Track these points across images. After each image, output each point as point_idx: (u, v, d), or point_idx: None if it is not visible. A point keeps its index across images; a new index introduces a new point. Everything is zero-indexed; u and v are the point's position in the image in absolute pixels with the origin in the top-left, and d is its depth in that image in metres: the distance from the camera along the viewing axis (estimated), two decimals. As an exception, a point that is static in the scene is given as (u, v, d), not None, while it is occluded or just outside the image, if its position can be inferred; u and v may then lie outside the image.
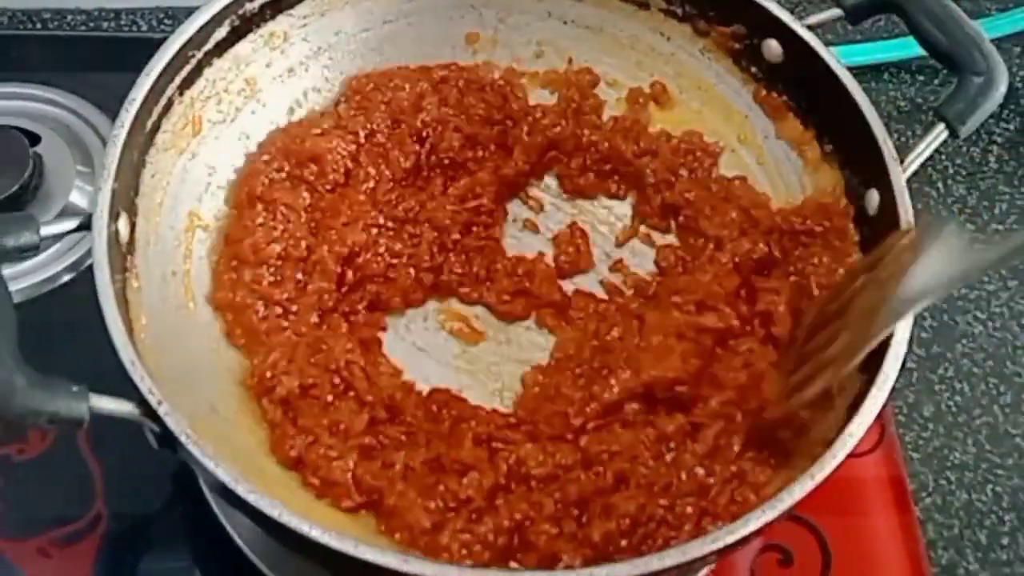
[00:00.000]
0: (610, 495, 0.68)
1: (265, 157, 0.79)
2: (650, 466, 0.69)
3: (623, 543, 0.66)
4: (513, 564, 0.66)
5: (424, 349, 0.78)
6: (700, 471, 0.68)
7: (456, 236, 0.80)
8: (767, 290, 0.75)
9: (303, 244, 0.76)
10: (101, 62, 0.99)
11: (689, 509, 0.67)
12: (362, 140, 0.81)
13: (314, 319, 0.75)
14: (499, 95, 0.84)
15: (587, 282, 0.82)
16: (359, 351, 0.74)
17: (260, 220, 0.76)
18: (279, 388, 0.71)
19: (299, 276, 0.76)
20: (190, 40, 0.75)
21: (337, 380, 0.72)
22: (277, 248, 0.76)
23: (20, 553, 0.77)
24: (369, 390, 0.72)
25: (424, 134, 0.82)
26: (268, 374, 0.72)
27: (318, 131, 0.80)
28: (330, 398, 0.72)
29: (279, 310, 0.75)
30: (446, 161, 0.82)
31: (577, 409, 0.72)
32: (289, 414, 0.71)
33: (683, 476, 0.68)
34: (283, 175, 0.78)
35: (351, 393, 0.72)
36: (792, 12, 0.79)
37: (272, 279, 0.75)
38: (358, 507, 0.68)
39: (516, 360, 0.78)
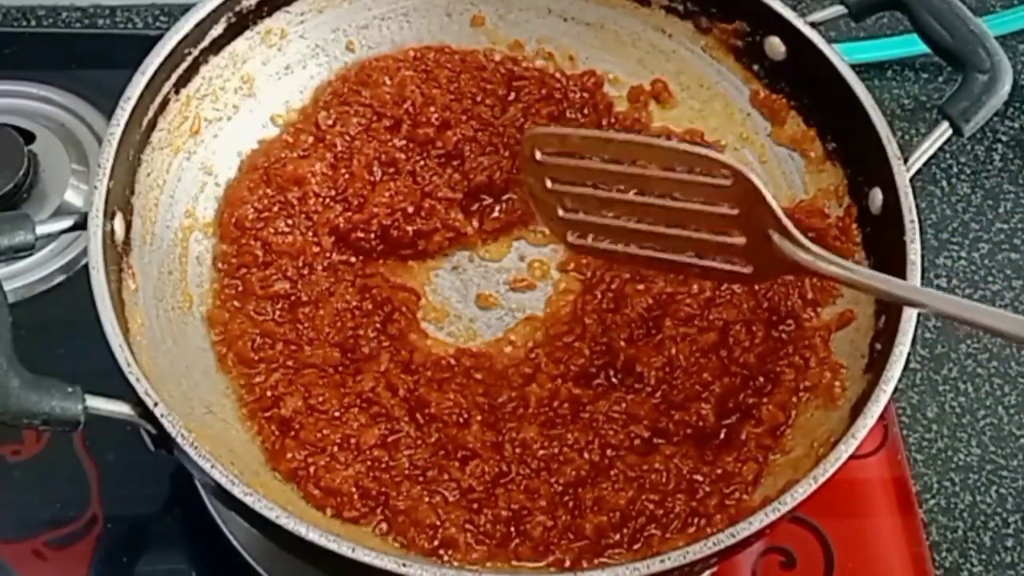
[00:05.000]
0: (601, 477, 0.69)
1: (248, 184, 0.78)
2: (637, 451, 0.70)
3: (615, 537, 0.67)
4: (508, 551, 0.67)
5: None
6: (687, 467, 0.69)
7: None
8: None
9: (314, 290, 0.76)
10: (96, 59, 0.98)
11: (679, 507, 0.68)
12: (341, 151, 0.80)
13: (335, 354, 0.74)
14: (499, 73, 0.84)
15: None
16: (398, 371, 0.73)
17: (260, 254, 0.76)
18: (282, 409, 0.71)
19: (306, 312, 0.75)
20: (186, 37, 0.75)
21: (359, 401, 0.72)
22: (286, 286, 0.75)
23: (15, 555, 0.76)
24: (397, 404, 0.72)
25: (412, 120, 0.82)
26: (268, 393, 0.71)
27: (300, 152, 0.79)
28: (338, 413, 0.71)
29: (281, 345, 0.74)
30: (440, 147, 0.81)
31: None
32: (290, 432, 0.70)
33: (671, 470, 0.69)
34: (268, 202, 0.78)
35: (365, 405, 0.72)
36: (795, 9, 0.79)
37: (278, 317, 0.75)
38: (360, 516, 0.68)
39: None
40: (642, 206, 0.69)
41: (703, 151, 0.67)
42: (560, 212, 0.71)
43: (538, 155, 0.70)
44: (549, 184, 0.70)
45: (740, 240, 0.66)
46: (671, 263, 0.71)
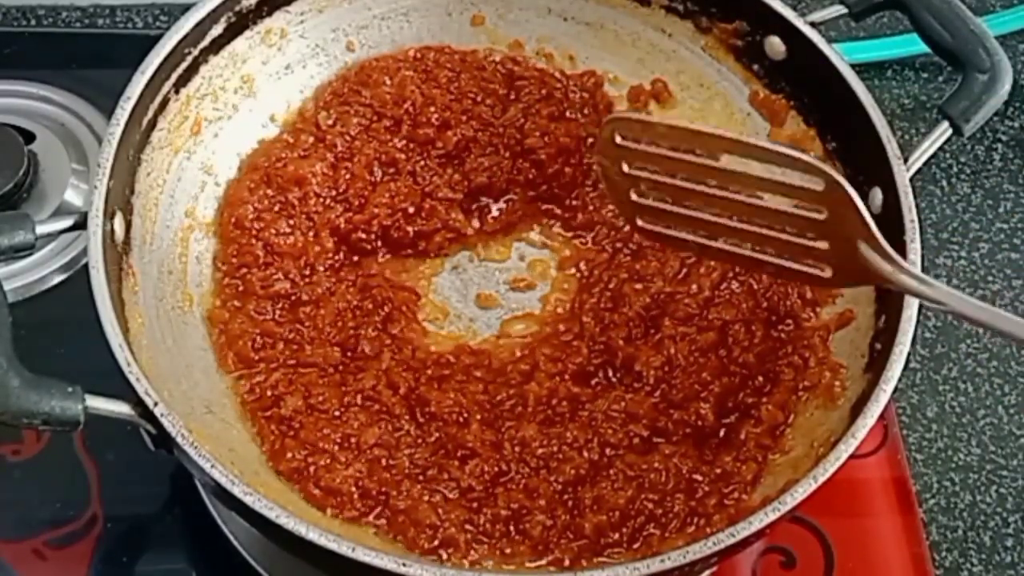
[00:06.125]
0: (600, 476, 0.69)
1: (248, 184, 0.78)
2: (636, 450, 0.70)
3: (614, 536, 0.67)
4: (508, 550, 0.67)
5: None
6: (686, 466, 0.69)
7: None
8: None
9: (317, 290, 0.76)
10: (96, 59, 0.98)
11: (678, 507, 0.68)
12: (341, 151, 0.80)
13: (336, 353, 0.74)
14: (499, 73, 0.84)
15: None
16: (399, 369, 0.73)
17: (260, 255, 0.76)
18: (282, 408, 0.71)
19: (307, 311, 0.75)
20: (186, 37, 0.75)
21: (359, 399, 0.72)
22: (286, 286, 0.76)
23: (15, 554, 0.76)
24: (398, 403, 0.72)
25: (412, 120, 0.82)
26: (268, 393, 0.71)
27: (300, 152, 0.79)
28: (338, 412, 0.71)
29: (281, 344, 0.74)
30: (440, 147, 0.82)
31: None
32: (290, 432, 0.70)
33: (670, 470, 0.69)
34: (268, 203, 0.78)
35: (366, 404, 0.72)
36: (795, 8, 0.79)
37: (278, 317, 0.75)
38: (360, 516, 0.68)
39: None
40: (722, 200, 0.67)
41: (799, 154, 0.65)
42: (633, 196, 0.70)
43: (618, 139, 0.68)
44: (626, 168, 0.69)
45: (823, 244, 0.65)
46: (746, 258, 0.69)
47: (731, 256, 0.69)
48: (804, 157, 0.64)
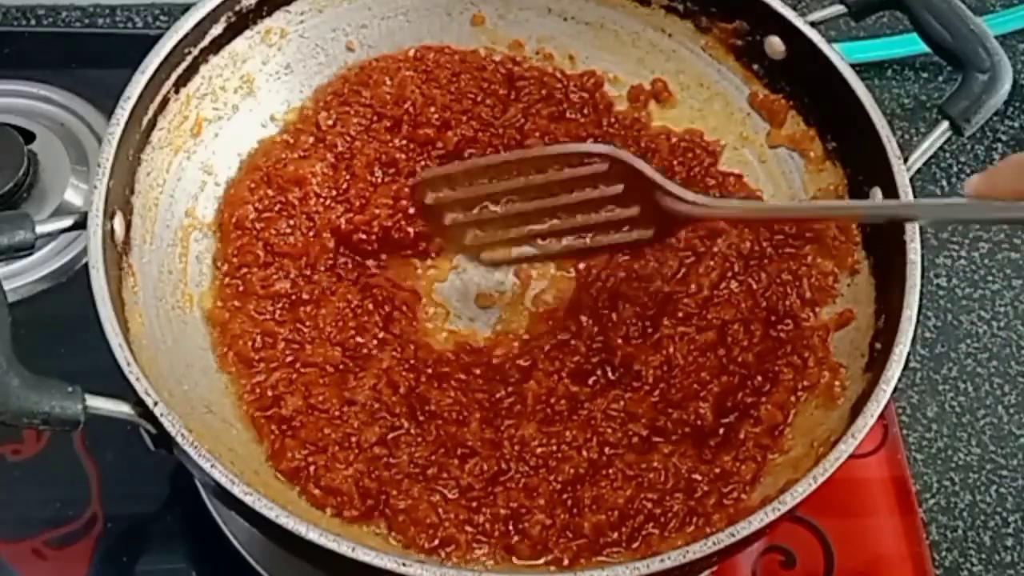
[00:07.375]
0: (599, 475, 0.69)
1: (248, 184, 0.78)
2: (635, 449, 0.70)
3: (613, 535, 0.67)
4: (507, 550, 0.68)
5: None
6: (685, 466, 0.69)
7: None
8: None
9: (316, 290, 0.76)
10: (96, 59, 0.98)
11: (677, 506, 0.68)
12: (341, 151, 0.80)
13: (336, 353, 0.74)
14: (499, 73, 0.84)
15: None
16: (399, 368, 0.73)
17: (261, 255, 0.76)
18: (282, 408, 0.71)
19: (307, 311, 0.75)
20: (186, 37, 0.75)
21: (360, 399, 0.72)
22: (287, 285, 0.76)
23: (15, 554, 0.77)
24: (398, 401, 0.72)
25: (412, 121, 0.82)
26: (269, 393, 0.71)
27: (301, 153, 0.80)
28: (338, 412, 0.71)
29: (281, 344, 0.74)
30: (440, 147, 0.82)
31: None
32: (290, 431, 0.70)
33: (669, 469, 0.69)
34: (268, 203, 0.78)
35: (366, 403, 0.72)
36: (795, 8, 0.79)
37: (278, 317, 0.75)
38: (360, 515, 0.68)
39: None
40: (537, 211, 0.72)
41: (576, 146, 0.73)
42: (468, 239, 0.74)
43: (428, 199, 0.72)
44: (448, 220, 0.73)
45: (635, 211, 0.70)
46: (584, 249, 0.74)
47: (572, 252, 0.75)
48: (580, 147, 0.72)
